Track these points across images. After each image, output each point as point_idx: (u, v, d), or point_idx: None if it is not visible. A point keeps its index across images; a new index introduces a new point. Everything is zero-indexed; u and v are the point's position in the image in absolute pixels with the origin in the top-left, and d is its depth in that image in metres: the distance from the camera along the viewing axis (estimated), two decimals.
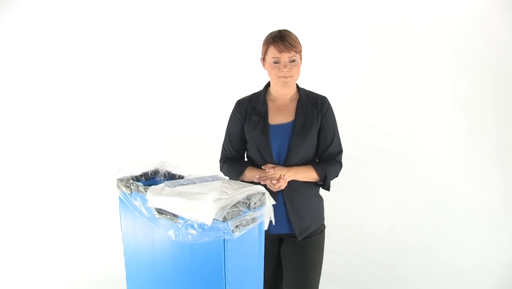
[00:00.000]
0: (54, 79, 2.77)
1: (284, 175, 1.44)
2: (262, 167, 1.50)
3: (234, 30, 2.75)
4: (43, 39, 2.72)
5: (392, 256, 2.66)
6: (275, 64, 1.53)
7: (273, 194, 1.45)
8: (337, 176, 1.61)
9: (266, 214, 1.15)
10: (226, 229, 1.03)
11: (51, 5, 2.71)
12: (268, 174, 1.45)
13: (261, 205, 1.13)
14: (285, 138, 1.55)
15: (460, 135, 2.65)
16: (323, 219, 1.66)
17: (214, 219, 1.02)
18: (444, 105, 2.67)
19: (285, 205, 1.53)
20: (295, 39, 1.53)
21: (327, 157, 1.59)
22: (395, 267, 2.64)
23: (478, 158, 2.65)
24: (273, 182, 1.42)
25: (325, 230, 1.65)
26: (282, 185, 1.43)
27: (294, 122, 1.55)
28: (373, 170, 2.73)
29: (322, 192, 1.65)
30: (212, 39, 2.78)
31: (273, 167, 1.49)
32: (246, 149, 1.65)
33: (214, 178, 1.27)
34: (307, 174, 1.54)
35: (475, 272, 2.55)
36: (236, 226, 1.04)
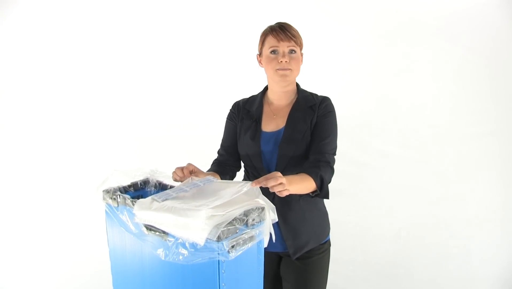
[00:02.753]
0: (43, 81, 2.64)
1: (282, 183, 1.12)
2: (252, 184, 1.08)
3: (229, 32, 2.64)
4: (30, 44, 2.60)
5: (399, 266, 2.55)
6: (273, 55, 1.38)
7: None
8: (330, 181, 1.37)
9: (266, 230, 1.03)
10: (221, 250, 0.91)
11: (48, 5, 2.59)
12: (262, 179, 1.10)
13: (260, 221, 1.02)
14: (276, 147, 1.41)
15: (470, 138, 2.53)
16: (327, 235, 1.51)
17: (208, 238, 0.91)
18: (453, 108, 2.55)
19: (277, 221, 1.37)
20: (296, 32, 1.42)
21: (317, 153, 1.36)
22: (401, 277, 2.53)
23: (489, 162, 2.53)
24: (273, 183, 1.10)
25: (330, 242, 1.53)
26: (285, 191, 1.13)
27: (284, 130, 1.42)
28: (379, 175, 2.61)
29: (325, 202, 1.52)
30: (206, 42, 2.66)
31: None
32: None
33: (205, 181, 1.15)
34: (302, 182, 1.26)
35: (486, 282, 2.45)
36: (232, 246, 0.93)
